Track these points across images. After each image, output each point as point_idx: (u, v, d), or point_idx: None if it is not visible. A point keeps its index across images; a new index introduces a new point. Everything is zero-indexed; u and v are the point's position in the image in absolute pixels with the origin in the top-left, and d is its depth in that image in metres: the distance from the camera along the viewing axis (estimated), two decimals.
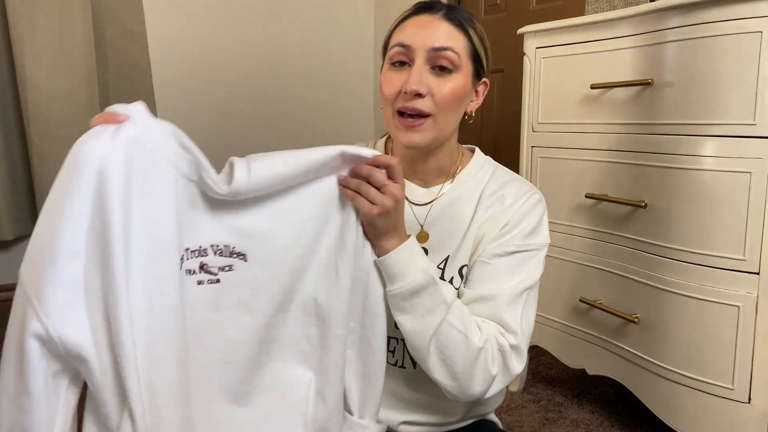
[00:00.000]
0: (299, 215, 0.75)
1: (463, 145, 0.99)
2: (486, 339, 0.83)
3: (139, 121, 0.63)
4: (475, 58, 0.87)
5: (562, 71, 1.49)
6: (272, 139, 2.77)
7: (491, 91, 2.70)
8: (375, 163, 0.76)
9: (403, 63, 0.85)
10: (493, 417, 1.04)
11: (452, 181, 0.94)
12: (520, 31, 1.59)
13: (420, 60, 0.83)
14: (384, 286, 0.81)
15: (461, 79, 0.85)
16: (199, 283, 0.70)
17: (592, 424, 1.51)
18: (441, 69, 0.84)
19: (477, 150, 0.98)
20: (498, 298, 0.86)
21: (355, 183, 0.76)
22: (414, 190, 0.94)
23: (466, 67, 0.86)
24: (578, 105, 1.45)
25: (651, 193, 1.28)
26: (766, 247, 1.10)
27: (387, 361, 0.87)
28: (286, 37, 2.75)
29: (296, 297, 0.77)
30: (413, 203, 0.93)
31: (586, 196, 1.43)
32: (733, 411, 1.16)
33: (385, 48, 0.89)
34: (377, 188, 0.77)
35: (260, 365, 0.76)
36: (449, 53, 0.83)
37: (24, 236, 2.32)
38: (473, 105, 0.92)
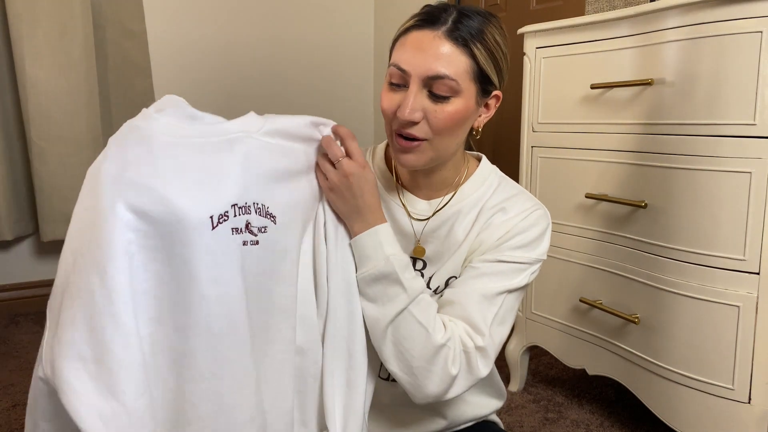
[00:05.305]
0: (302, 194, 0.77)
1: (470, 152, 0.95)
2: (449, 338, 0.80)
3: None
4: (481, 78, 0.81)
5: (562, 71, 1.49)
6: None
7: None
8: (334, 132, 0.77)
9: (400, 84, 0.81)
10: (494, 417, 1.04)
11: (454, 194, 0.90)
12: (520, 31, 1.59)
13: (415, 86, 0.79)
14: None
15: (461, 103, 0.80)
16: (244, 243, 0.71)
17: (592, 424, 1.51)
18: (437, 95, 0.79)
19: (484, 159, 0.94)
20: (469, 297, 0.82)
21: (317, 156, 0.78)
22: (415, 203, 0.91)
23: (468, 90, 0.80)
24: (578, 105, 1.45)
25: (651, 193, 1.28)
26: (766, 247, 1.10)
27: (378, 375, 0.85)
28: (285, 37, 2.75)
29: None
30: (413, 217, 0.91)
31: (587, 196, 1.43)
32: (733, 411, 1.16)
33: (391, 53, 0.85)
34: (332, 163, 0.77)
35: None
36: (446, 81, 0.78)
37: (24, 236, 2.31)
38: (482, 119, 0.88)
